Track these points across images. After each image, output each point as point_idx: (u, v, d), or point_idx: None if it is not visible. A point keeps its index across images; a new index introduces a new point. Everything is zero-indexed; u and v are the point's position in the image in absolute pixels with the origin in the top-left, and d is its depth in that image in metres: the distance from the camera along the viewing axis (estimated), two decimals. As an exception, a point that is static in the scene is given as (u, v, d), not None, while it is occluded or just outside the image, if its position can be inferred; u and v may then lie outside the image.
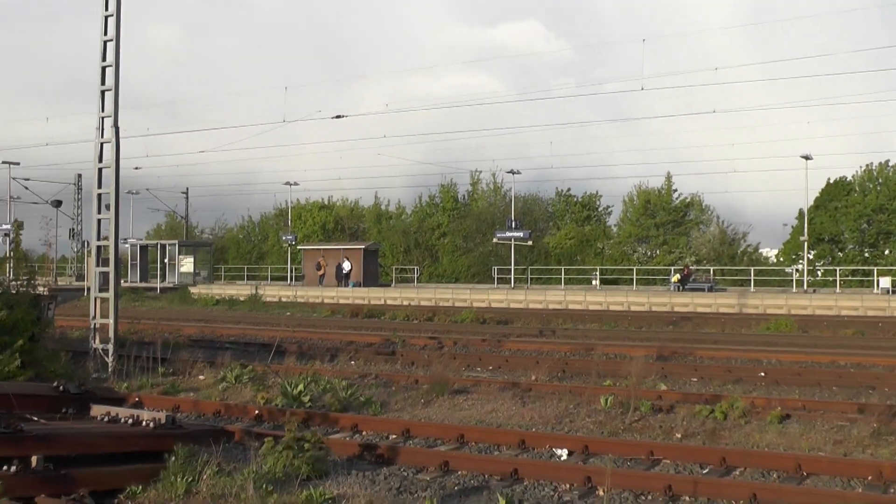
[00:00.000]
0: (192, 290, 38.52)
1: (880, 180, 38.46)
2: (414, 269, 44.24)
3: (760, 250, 43.05)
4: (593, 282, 38.11)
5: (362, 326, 22.41)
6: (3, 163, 43.26)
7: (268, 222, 54.66)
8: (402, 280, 46.00)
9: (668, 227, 43.02)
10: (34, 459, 5.13)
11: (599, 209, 47.26)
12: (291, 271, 44.64)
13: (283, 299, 35.28)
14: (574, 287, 37.87)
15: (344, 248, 40.13)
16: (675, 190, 44.09)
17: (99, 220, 12.38)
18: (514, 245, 39.00)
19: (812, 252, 37.83)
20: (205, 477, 5.73)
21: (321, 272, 39.76)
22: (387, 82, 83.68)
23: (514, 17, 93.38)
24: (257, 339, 18.06)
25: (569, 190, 47.19)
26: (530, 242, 39.44)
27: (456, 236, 46.29)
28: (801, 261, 36.56)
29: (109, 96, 12.17)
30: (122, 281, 33.44)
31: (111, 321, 11.99)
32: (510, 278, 38.94)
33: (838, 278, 33.55)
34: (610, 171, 60.46)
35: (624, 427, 8.47)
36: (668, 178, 44.21)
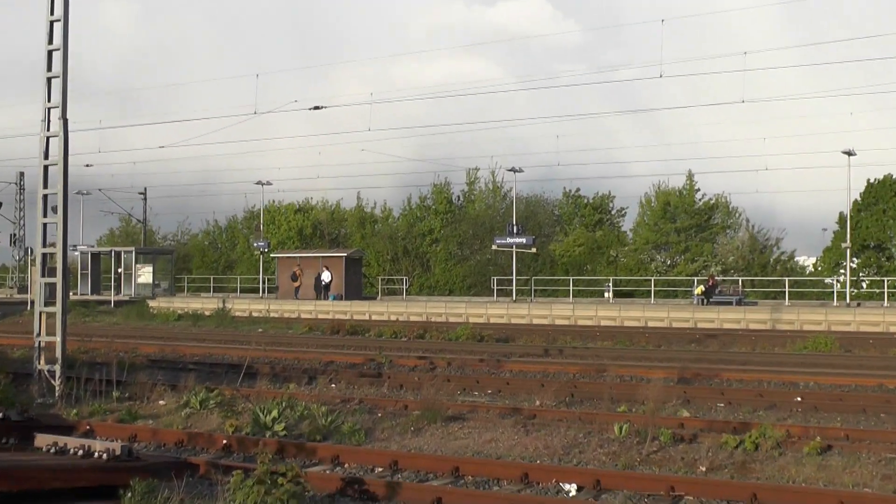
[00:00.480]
0: (151, 303, 38.64)
1: (934, 179, 38.27)
2: (402, 279, 44.36)
3: (796, 258, 43.03)
4: (605, 294, 38.22)
5: (344, 345, 22.15)
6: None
7: (237, 227, 54.79)
8: (389, 292, 46.14)
9: (691, 232, 43.17)
10: (-34, 498, 5.16)
11: (612, 212, 47.49)
12: (264, 282, 44.66)
13: (255, 314, 35.33)
14: (584, 300, 37.96)
15: (323, 256, 40.22)
16: (699, 190, 44.30)
17: (45, 225, 12.36)
18: (516, 253, 39.15)
19: (855, 260, 37.28)
20: (166, 515, 5.73)
21: (297, 283, 39.83)
22: (371, 69, 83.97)
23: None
24: (225, 360, 18.11)
25: (577, 190, 47.52)
26: (534, 250, 39.56)
27: (450, 243, 46.41)
28: (842, 270, 36.23)
29: (57, 84, 12.10)
30: (70, 293, 33.44)
31: (58, 339, 11.98)
32: (511, 290, 39.02)
33: (886, 290, 33.11)
34: (624, 169, 60.67)
35: (640, 459, 8.46)
36: (690, 176, 44.38)
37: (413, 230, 47.53)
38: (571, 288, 38.65)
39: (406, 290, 43.79)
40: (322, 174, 61.51)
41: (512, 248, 38.77)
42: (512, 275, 39.19)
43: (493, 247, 39.93)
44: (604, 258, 43.05)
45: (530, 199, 47.04)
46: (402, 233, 47.86)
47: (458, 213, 47.95)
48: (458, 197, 49.09)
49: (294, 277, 39.77)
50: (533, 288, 40.74)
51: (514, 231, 38.18)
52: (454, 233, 46.50)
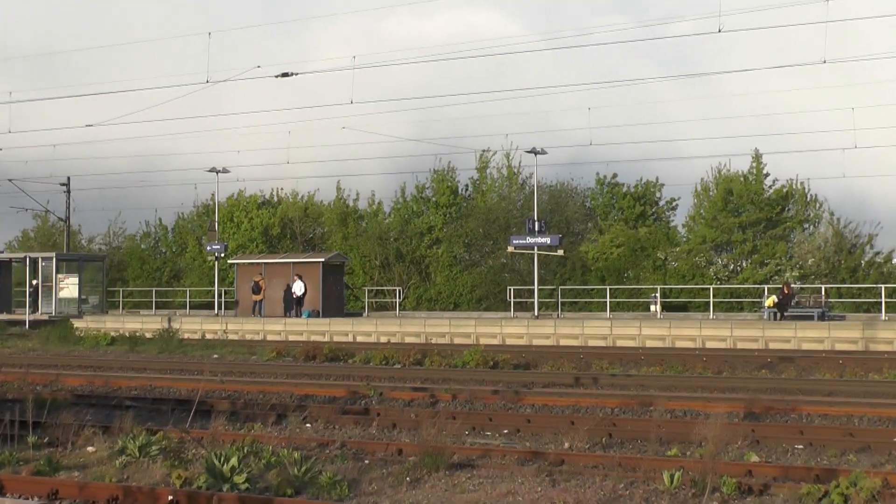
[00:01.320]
0: (77, 323, 38.66)
1: None
2: (395, 291, 44.56)
3: (894, 261, 42.37)
4: (652, 307, 38.39)
5: (322, 374, 22.38)
6: None
7: (186, 227, 54.92)
8: (378, 307, 46.19)
9: (759, 228, 43.08)
10: None
11: (660, 203, 47.57)
12: (220, 296, 44.88)
13: (209, 336, 35.55)
14: (624, 315, 38.02)
15: (295, 263, 40.44)
16: (768, 175, 44.01)
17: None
18: (538, 256, 39.36)
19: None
20: None
21: (259, 297, 40.09)
22: (355, 25, 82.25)
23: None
24: (172, 394, 18.25)
25: (615, 176, 47.50)
26: (561, 252, 39.60)
27: (455, 244, 46.64)
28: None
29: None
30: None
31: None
32: (532, 303, 39.20)
33: None
34: (675, 149, 60.85)
35: (698, 517, 8.62)
36: (758, 157, 44.08)
37: (408, 228, 47.72)
38: (608, 300, 38.70)
39: (400, 305, 43.87)
40: (293, 159, 61.26)
41: (533, 249, 38.81)
42: (533, 284, 39.26)
43: (510, 249, 39.95)
44: (649, 262, 43.03)
45: (556, 189, 47.08)
46: (394, 232, 48.02)
47: (465, 207, 48.07)
48: (466, 187, 49.25)
49: (256, 289, 40.00)
50: (560, 300, 40.80)
51: (536, 229, 38.22)
52: (460, 231, 46.65)
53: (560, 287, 41.57)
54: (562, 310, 40.35)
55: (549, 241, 38.11)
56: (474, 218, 46.46)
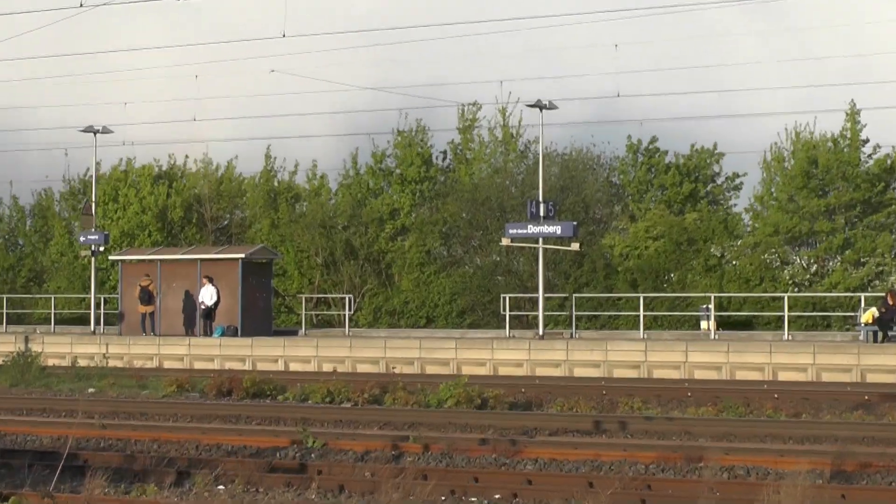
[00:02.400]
0: None
1: None
2: (344, 300, 44.67)
3: None
4: (704, 324, 38.49)
5: (241, 415, 22.52)
6: None
7: (51, 208, 54.80)
8: (321, 322, 46.20)
9: (855, 213, 42.92)
10: None
11: (717, 180, 47.79)
12: (98, 306, 44.67)
13: (83, 362, 35.14)
14: (664, 335, 38.12)
15: (203, 260, 40.54)
16: (867, 140, 43.92)
17: None
18: (545, 252, 39.40)
19: None
20: None
21: (151, 307, 40.06)
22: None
23: None
24: (30, 444, 18.21)
25: (654, 142, 47.36)
26: (577, 246, 39.56)
27: (428, 235, 46.82)
28: None
29: None
30: None
31: None
32: (536, 317, 39.31)
33: None
34: (737, 104, 59.96)
35: None
36: (853, 115, 43.73)
37: (363, 213, 47.86)
38: (642, 313, 38.61)
39: (351, 320, 43.98)
40: (202, 115, 60.07)
41: (537, 242, 38.85)
42: (537, 291, 39.34)
43: (504, 241, 39.93)
44: (700, 261, 43.11)
45: (570, 159, 47.13)
46: (343, 218, 48.15)
47: (442, 183, 48.13)
48: (444, 154, 49.38)
49: (146, 297, 39.96)
50: (574, 313, 40.79)
51: (542, 213, 38.16)
52: (436, 217, 46.84)
53: (575, 295, 41.55)
54: (577, 327, 40.29)
55: (559, 231, 38.17)
56: (456, 198, 46.45)
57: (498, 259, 45.44)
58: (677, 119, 52.75)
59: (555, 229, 38.19)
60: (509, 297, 40.61)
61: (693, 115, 54.36)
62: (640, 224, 44.62)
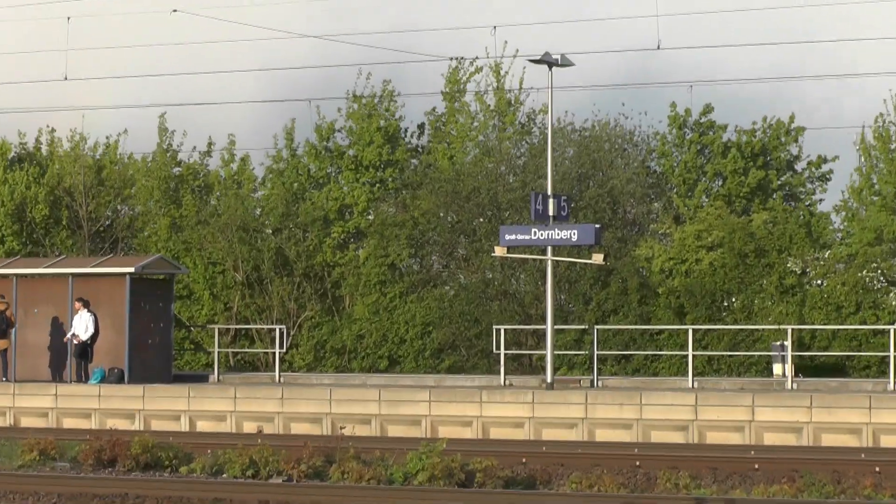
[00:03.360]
0: None
1: None
2: (275, 333, 44.55)
3: None
4: (777, 368, 38.76)
5: (129, 495, 22.64)
6: None
7: None
8: (241, 365, 46.89)
9: None
10: None
11: (796, 167, 48.11)
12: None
13: None
14: (723, 383, 38.27)
15: (77, 275, 40.68)
16: None
17: None
18: (556, 267, 39.58)
19: None
20: None
21: (4, 343, 39.72)
22: None
23: None
24: None
25: (707, 112, 47.90)
26: (600, 257, 39.28)
27: (393, 242, 47.16)
28: None
29: None
30: None
31: None
32: (543, 357, 38.85)
33: None
34: (819, 60, 60.47)
35: None
36: None
37: (301, 210, 48.40)
38: (691, 353, 38.62)
39: (283, 360, 44.23)
40: (76, 72, 59.91)
41: (545, 253, 38.53)
42: (545, 320, 38.94)
43: (499, 251, 39.57)
44: (773, 279, 43.28)
45: (590, 136, 47.46)
46: (273, 217, 48.77)
47: (413, 170, 48.83)
48: (418, 130, 50.20)
49: (0, 327, 39.63)
50: (596, 353, 40.73)
51: (552, 212, 37.89)
52: (403, 217, 47.32)
53: (597, 327, 41.67)
54: (600, 372, 40.27)
55: (575, 237, 37.78)
56: (432, 190, 46.92)
57: (490, 276, 45.87)
58: (739, 81, 52.71)
59: (569, 234, 37.82)
60: (505, 330, 40.85)
61: (762, 76, 54.41)
62: (689, 228, 44.71)
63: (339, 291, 47.59)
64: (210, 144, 51.69)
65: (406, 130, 49.58)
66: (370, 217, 47.89)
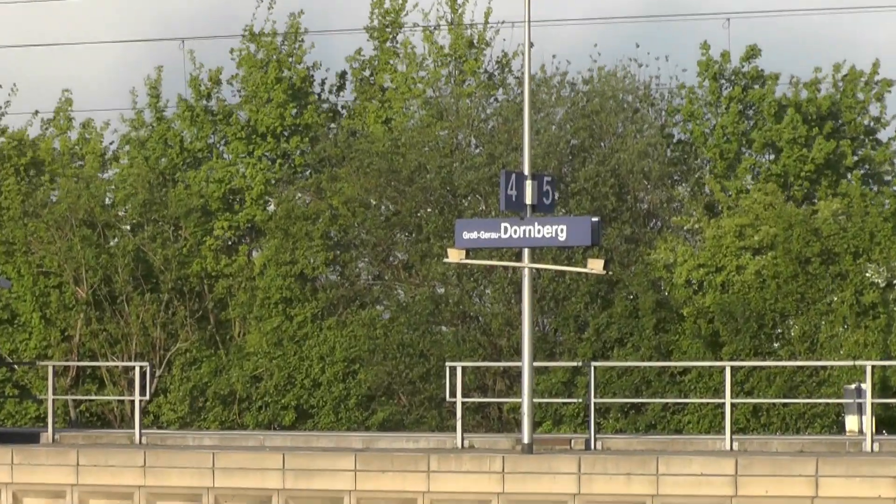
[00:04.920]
0: None
1: None
2: (134, 372, 44.01)
3: None
4: (850, 421, 39.05)
5: None
6: None
7: None
8: (86, 418, 47.25)
9: None
10: None
11: (879, 135, 48.44)
12: None
13: None
14: (772, 442, 38.06)
15: None
16: None
17: None
18: (535, 276, 40.22)
19: None
20: None
21: None
22: None
23: None
24: None
25: (750, 57, 48.28)
26: (599, 264, 39.18)
27: (301, 243, 47.46)
28: None
29: None
30: None
31: None
32: (519, 406, 38.45)
33: None
34: None
35: None
36: None
37: (170, 198, 48.74)
38: (730, 400, 38.09)
39: (147, 411, 44.84)
40: None
41: (519, 258, 38.52)
42: (521, 356, 38.81)
43: (454, 255, 39.21)
44: (846, 294, 43.44)
45: (586, 90, 47.76)
46: (131, 208, 49.14)
47: (332, 139, 49.11)
48: (339, 82, 50.83)
49: None
50: (594, 400, 40.36)
51: (529, 199, 37.70)
52: (317, 206, 47.63)
53: (595, 364, 40.85)
54: (599, 428, 40.32)
55: (563, 235, 37.45)
56: (357, 168, 47.29)
57: (442, 292, 46.40)
58: (798, 13, 53.04)
59: (556, 232, 37.47)
60: (464, 369, 40.17)
61: (831, 4, 54.59)
62: (728, 222, 45.08)
63: (224, 314, 48.19)
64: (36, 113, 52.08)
65: (323, 83, 50.22)
66: (269, 207, 48.37)
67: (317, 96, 49.89)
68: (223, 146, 49.40)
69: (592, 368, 40.07)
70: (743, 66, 47.51)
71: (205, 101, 49.30)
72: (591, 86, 47.77)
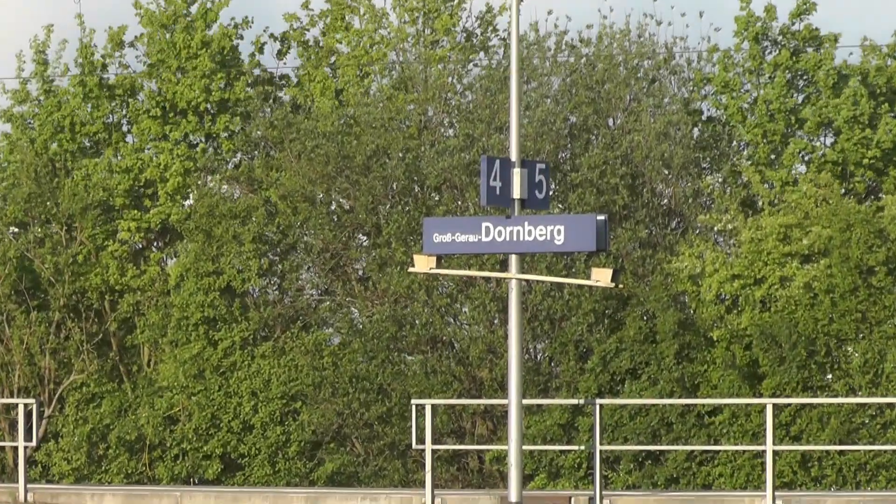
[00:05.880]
0: None
1: None
2: (17, 410, 44.03)
3: None
4: None
5: None
6: None
7: None
8: None
9: None
10: None
11: None
12: None
13: None
14: (825, 501, 38.20)
15: None
16: None
17: None
18: (524, 290, 40.41)
19: None
20: None
21: None
22: None
23: None
24: None
25: (802, 12, 48.06)
26: (605, 276, 39.13)
27: (226, 249, 47.38)
28: None
29: None
30: None
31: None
32: (504, 454, 38.70)
33: None
34: None
35: None
36: None
37: (63, 191, 48.60)
38: (771, 448, 38.27)
39: (31, 461, 44.70)
40: None
41: (506, 269, 38.44)
42: (508, 392, 38.76)
43: (421, 263, 39.31)
44: None
45: (591, 55, 47.66)
46: (10, 205, 49.24)
47: (267, 117, 49.13)
48: (279, 46, 50.94)
49: None
50: (600, 448, 40.37)
51: (518, 192, 37.61)
52: (244, 205, 47.64)
53: (600, 401, 41.17)
54: (608, 483, 40.97)
55: (561, 238, 37.51)
56: (300, 153, 47.39)
57: (407, 310, 46.23)
58: None
59: (552, 233, 37.61)
60: (436, 408, 41.00)
61: None
62: (770, 221, 45.02)
63: (131, 338, 48.16)
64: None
65: (262, 48, 50.34)
66: (188, 203, 48.40)
67: (253, 58, 50.06)
68: (129, 126, 49.53)
69: (598, 407, 39.90)
70: (793, 25, 47.45)
71: (103, 71, 49.16)
72: (596, 49, 47.62)
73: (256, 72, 50.04)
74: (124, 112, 49.58)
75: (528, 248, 37.77)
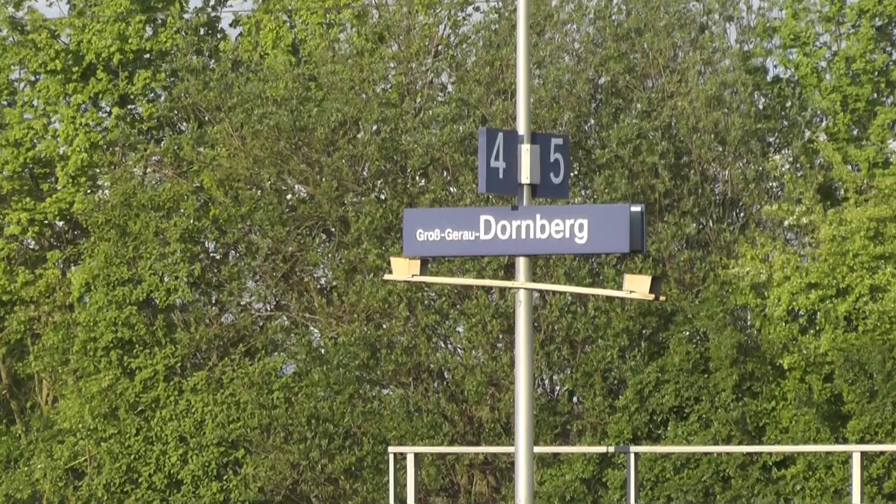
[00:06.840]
0: None
1: None
2: None
3: None
4: None
5: None
6: None
7: None
8: None
9: None
10: None
11: None
12: None
13: None
14: None
15: None
16: None
17: None
18: (536, 305, 40.02)
19: None
20: None
21: None
22: None
23: None
24: None
25: None
26: (647, 286, 38.61)
27: (147, 249, 46.97)
28: None
29: None
30: None
31: None
32: None
33: None
34: None
35: None
36: None
37: None
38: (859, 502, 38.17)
39: None
40: None
41: (511, 275, 38.02)
42: (515, 436, 38.20)
43: (399, 270, 38.89)
44: None
45: (631, 16, 47.11)
46: None
47: (205, 74, 48.72)
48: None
49: None
50: None
51: (526, 176, 37.06)
52: (170, 192, 47.28)
53: (635, 449, 41.05)
54: None
55: (584, 235, 37.03)
56: (244, 124, 46.97)
57: (384, 328, 45.69)
58: None
59: (571, 228, 37.14)
60: (417, 456, 40.23)
61: None
62: (856, 212, 44.41)
63: (23, 365, 47.80)
64: None
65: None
66: (99, 189, 47.87)
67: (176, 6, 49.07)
68: (25, 88, 49.32)
69: (633, 456, 39.58)
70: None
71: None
72: (632, 9, 47.55)
73: (188, 16, 49.38)
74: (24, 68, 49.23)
75: (541, 249, 37.93)
